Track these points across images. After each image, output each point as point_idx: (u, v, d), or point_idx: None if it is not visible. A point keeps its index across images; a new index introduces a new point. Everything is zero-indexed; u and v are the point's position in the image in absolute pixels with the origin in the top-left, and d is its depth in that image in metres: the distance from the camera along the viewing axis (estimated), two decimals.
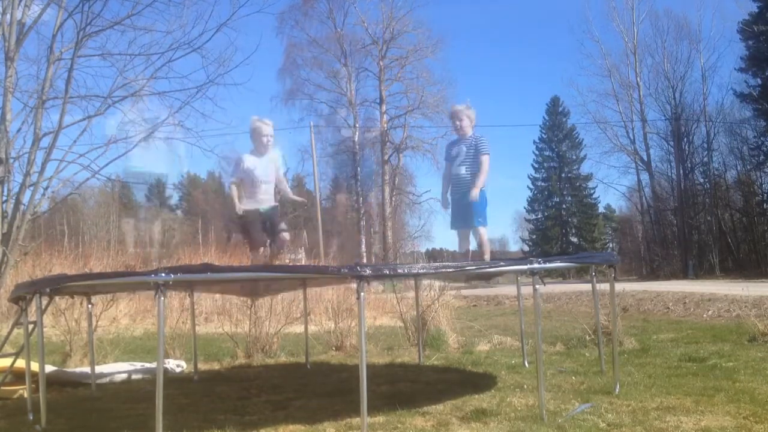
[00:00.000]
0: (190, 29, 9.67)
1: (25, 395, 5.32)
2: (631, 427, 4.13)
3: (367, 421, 4.01)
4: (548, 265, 4.80)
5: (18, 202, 9.35)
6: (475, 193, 5.40)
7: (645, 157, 39.84)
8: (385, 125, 36.31)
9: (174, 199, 72.04)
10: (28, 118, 9.36)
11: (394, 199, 37.14)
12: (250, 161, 5.62)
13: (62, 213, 42.57)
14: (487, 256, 5.54)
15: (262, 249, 5.61)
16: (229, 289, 7.63)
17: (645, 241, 43.44)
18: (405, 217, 40.45)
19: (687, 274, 34.53)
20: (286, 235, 5.72)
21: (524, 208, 57.91)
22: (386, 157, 36.25)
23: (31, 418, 4.93)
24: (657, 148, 40.65)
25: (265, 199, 5.65)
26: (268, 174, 5.66)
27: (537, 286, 4.49)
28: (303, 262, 24.80)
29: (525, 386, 5.59)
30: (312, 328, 8.48)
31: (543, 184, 56.29)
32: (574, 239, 55.37)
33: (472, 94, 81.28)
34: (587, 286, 13.06)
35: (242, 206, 5.52)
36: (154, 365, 6.33)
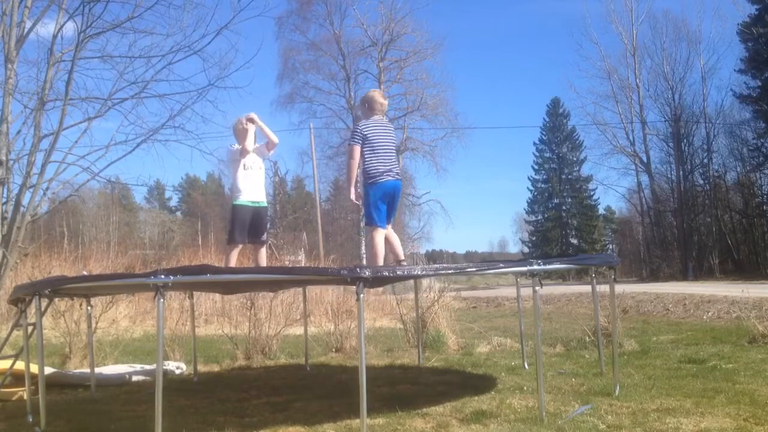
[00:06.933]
0: (191, 32, 9.65)
1: (25, 397, 5.32)
2: (631, 428, 4.13)
3: (366, 422, 4.00)
4: (548, 266, 4.81)
5: (18, 203, 9.35)
6: None
7: (645, 159, 39.91)
8: None
9: (173, 201, 72.23)
10: (28, 120, 9.35)
11: None
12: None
13: (62, 215, 42.66)
14: None
15: (239, 246, 5.72)
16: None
17: (645, 243, 43.45)
18: (405, 219, 40.47)
19: (687, 275, 34.54)
20: (264, 247, 5.89)
21: (524, 209, 58.02)
22: None
23: (31, 419, 4.93)
24: (657, 150, 40.78)
25: (257, 193, 5.77)
26: (255, 160, 5.80)
27: (536, 288, 4.50)
28: (303, 264, 24.81)
29: (525, 388, 5.59)
30: (312, 329, 8.48)
31: (543, 185, 56.28)
32: (574, 241, 55.34)
33: (472, 95, 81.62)
34: (587, 288, 13.07)
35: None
36: (153, 367, 6.33)
